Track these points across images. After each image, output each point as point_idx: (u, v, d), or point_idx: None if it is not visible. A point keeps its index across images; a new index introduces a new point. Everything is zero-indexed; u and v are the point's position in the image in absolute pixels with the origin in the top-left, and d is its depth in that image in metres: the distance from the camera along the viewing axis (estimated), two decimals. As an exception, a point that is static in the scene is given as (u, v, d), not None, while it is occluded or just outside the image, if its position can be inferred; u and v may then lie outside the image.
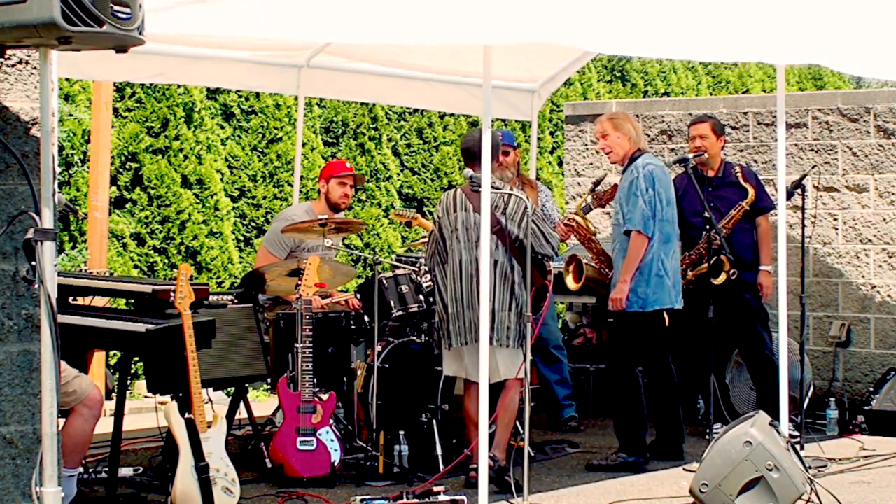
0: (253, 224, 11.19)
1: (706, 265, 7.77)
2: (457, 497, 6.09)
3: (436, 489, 6.13)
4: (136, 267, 10.21)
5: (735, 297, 8.01)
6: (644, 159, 7.41)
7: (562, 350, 8.78)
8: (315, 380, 6.92)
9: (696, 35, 6.28)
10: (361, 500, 6.16)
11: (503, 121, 12.31)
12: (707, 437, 7.27)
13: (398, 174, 12.47)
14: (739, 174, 8.17)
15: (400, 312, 7.72)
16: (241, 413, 7.39)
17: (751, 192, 8.08)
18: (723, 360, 8.56)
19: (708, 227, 7.63)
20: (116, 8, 3.82)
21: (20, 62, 4.45)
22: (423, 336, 7.67)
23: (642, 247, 7.28)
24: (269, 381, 7.94)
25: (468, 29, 5.47)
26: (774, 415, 6.66)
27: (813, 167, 9.19)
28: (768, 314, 8.26)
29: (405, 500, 6.05)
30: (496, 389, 6.72)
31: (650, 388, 7.58)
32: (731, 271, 7.71)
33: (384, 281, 7.71)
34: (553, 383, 8.66)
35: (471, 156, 6.75)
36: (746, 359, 8.41)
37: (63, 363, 4.57)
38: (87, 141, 9.66)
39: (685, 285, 7.76)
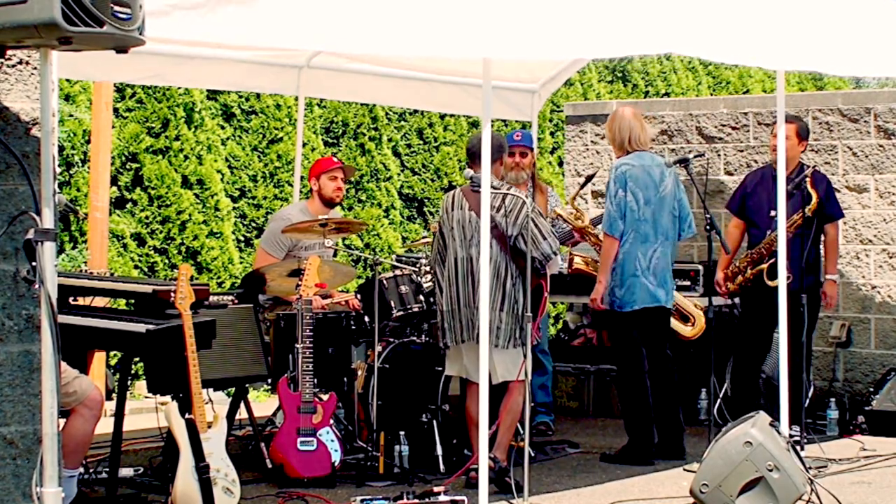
0: (253, 224, 11.19)
1: (765, 265, 7.78)
2: (457, 497, 6.08)
3: (436, 489, 6.13)
4: (136, 267, 10.20)
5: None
6: (622, 160, 7.44)
7: (547, 356, 8.62)
8: (315, 380, 6.92)
9: (695, 36, 6.27)
10: (362, 501, 6.16)
11: (503, 121, 12.32)
12: (708, 437, 7.27)
13: (398, 174, 12.46)
14: (809, 179, 7.97)
15: (400, 313, 7.72)
16: (242, 413, 7.39)
17: (814, 198, 7.94)
18: (750, 360, 8.52)
19: (708, 227, 7.61)
20: (117, 8, 3.81)
21: (20, 62, 4.45)
22: (423, 336, 7.67)
23: (611, 248, 7.39)
24: (269, 381, 7.94)
25: (468, 41, 5.48)
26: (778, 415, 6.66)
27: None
28: (814, 325, 8.22)
29: (405, 501, 6.04)
30: (497, 390, 6.72)
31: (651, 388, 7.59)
32: (788, 276, 7.74)
33: (384, 281, 7.72)
34: (534, 387, 8.31)
35: (475, 156, 6.76)
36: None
37: (63, 363, 4.56)
38: (88, 141, 9.66)
39: (743, 283, 7.80)
